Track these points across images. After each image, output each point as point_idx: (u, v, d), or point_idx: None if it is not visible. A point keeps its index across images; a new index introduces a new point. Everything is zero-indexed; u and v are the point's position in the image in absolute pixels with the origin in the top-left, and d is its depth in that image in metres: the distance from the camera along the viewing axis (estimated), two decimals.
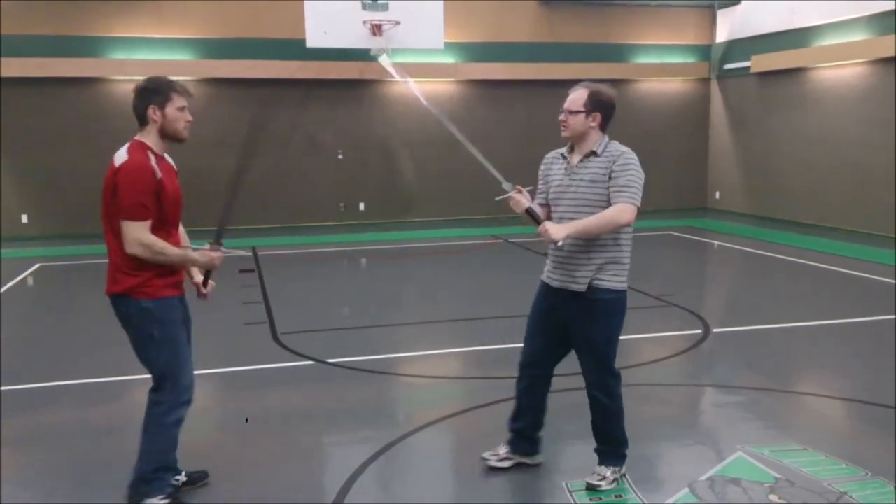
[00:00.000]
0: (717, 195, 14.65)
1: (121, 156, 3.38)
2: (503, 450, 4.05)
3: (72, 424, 4.85)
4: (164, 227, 3.46)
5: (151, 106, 3.43)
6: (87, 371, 5.86)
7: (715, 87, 14.57)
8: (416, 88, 4.12)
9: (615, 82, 14.52)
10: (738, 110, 14.05)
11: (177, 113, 3.48)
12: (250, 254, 3.58)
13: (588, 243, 3.61)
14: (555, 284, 3.75)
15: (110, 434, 4.65)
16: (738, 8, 13.83)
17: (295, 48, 11.93)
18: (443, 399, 5.30)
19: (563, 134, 3.72)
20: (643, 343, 6.58)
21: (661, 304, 7.73)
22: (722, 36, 14.26)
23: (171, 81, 3.51)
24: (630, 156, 3.60)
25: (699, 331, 6.72)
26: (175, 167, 3.68)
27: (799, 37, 12.29)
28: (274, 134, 12.93)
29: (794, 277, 9.36)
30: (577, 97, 3.67)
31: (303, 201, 13.27)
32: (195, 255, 3.52)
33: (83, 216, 12.16)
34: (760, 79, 13.24)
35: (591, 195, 3.60)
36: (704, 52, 14.47)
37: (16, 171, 12.05)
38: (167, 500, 3.55)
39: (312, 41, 11.10)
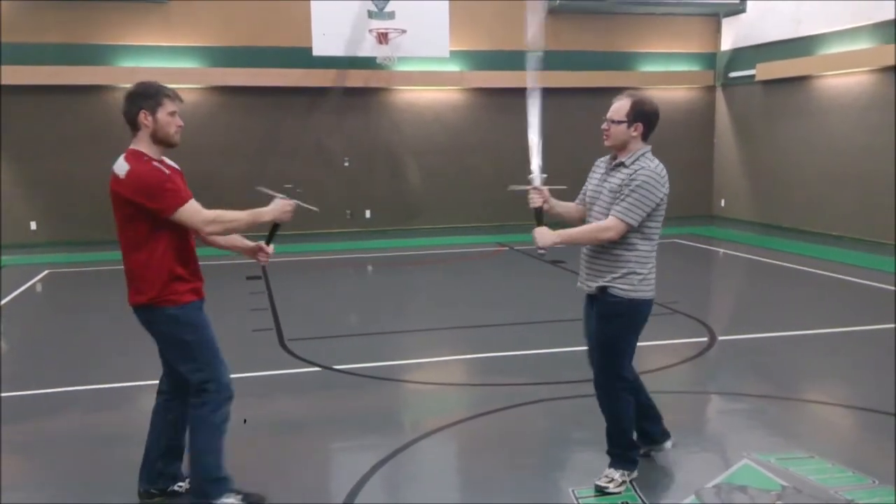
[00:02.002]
0: (723, 203, 14.65)
1: (121, 166, 3.39)
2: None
3: (80, 431, 4.87)
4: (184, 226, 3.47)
5: (143, 111, 3.43)
6: (95, 378, 5.90)
7: (720, 95, 14.59)
8: None
9: (620, 90, 14.61)
10: (743, 118, 14.06)
11: (168, 118, 3.46)
12: (317, 209, 3.75)
13: (600, 249, 3.72)
14: (582, 287, 3.90)
15: (118, 440, 4.68)
16: (743, 16, 13.85)
17: (301, 56, 12.00)
18: (449, 406, 5.32)
19: (606, 143, 3.78)
20: (649, 351, 6.57)
21: (666, 312, 7.73)
22: (727, 44, 14.29)
23: (162, 86, 3.50)
24: (648, 173, 3.61)
25: (705, 338, 6.72)
26: (180, 169, 3.69)
27: (804, 45, 12.31)
28: (281, 142, 13.04)
29: (800, 285, 9.36)
30: (619, 107, 3.72)
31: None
32: (264, 209, 3.57)
33: (92, 223, 12.23)
34: (765, 87, 13.26)
35: (611, 205, 3.68)
36: (709, 60, 14.50)
37: (25, 178, 12.12)
38: (240, 495, 3.63)
39: (319, 49, 11.17)
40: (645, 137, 3.73)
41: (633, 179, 3.61)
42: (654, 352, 6.52)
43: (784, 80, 12.70)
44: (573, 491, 3.85)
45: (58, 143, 12.11)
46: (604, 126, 3.75)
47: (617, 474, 3.85)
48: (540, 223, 3.81)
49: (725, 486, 3.85)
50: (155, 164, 3.41)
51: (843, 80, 11.71)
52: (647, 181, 3.59)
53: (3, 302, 8.69)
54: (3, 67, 11.45)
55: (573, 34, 13.80)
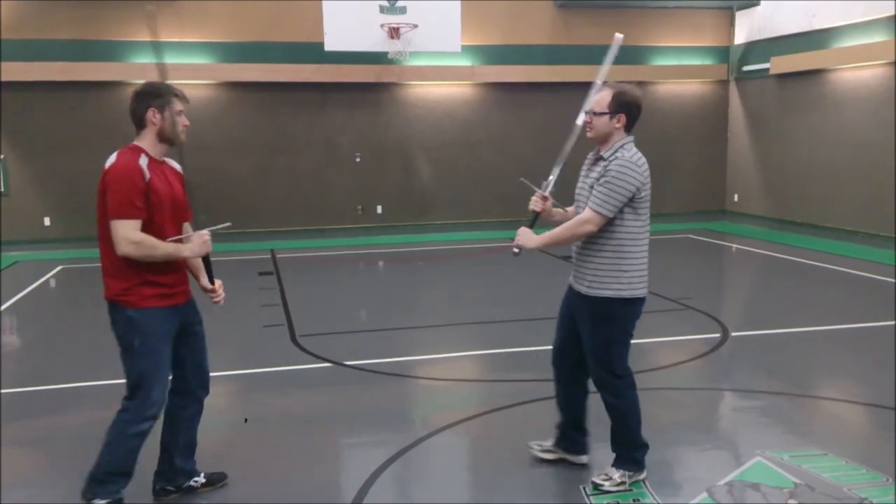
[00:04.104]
0: (736, 198, 14.56)
1: (110, 158, 3.42)
2: (549, 442, 4.11)
3: (92, 427, 4.86)
4: (157, 231, 3.41)
5: (151, 109, 3.45)
6: (108, 373, 5.90)
7: (734, 88, 14.49)
8: None
9: (633, 84, 14.53)
10: (756, 112, 13.96)
11: (175, 117, 3.49)
12: (230, 223, 3.66)
13: (589, 249, 3.67)
14: (571, 282, 3.87)
15: None
16: (756, 9, 13.75)
17: (313, 51, 12.00)
18: (461, 402, 5.31)
19: (588, 135, 3.73)
20: (661, 347, 6.55)
21: (679, 308, 7.70)
22: (741, 37, 14.17)
23: (170, 86, 3.53)
24: (623, 163, 3.56)
25: (718, 335, 6.69)
26: (181, 172, 3.67)
27: (818, 38, 12.20)
28: (292, 137, 13.06)
29: (814, 281, 9.29)
30: (601, 98, 3.68)
31: (320, 204, 13.32)
32: (185, 245, 3.46)
33: None
34: (779, 80, 13.15)
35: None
36: (723, 53, 14.39)
37: (38, 174, 12.19)
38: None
39: (331, 44, 11.17)
40: (628, 129, 3.68)
41: (608, 171, 3.57)
42: (666, 348, 6.50)
43: (798, 74, 12.60)
44: (584, 488, 3.83)
45: (70, 139, 12.15)
46: (586, 119, 3.72)
47: (616, 474, 3.81)
48: (531, 226, 3.79)
49: (738, 484, 3.83)
50: (141, 165, 3.36)
51: (857, 74, 11.60)
52: (620, 170, 3.54)
53: (17, 297, 8.75)
54: (16, 64, 11.50)
55: (584, 27, 13.72)
